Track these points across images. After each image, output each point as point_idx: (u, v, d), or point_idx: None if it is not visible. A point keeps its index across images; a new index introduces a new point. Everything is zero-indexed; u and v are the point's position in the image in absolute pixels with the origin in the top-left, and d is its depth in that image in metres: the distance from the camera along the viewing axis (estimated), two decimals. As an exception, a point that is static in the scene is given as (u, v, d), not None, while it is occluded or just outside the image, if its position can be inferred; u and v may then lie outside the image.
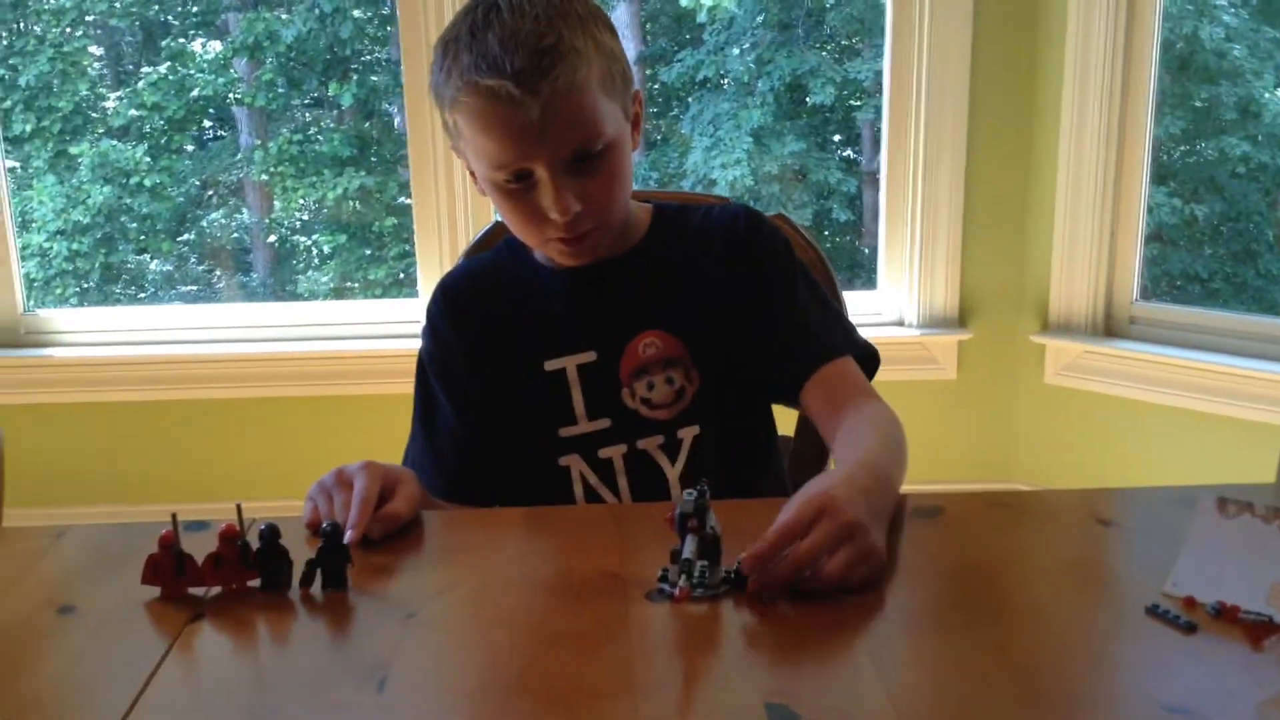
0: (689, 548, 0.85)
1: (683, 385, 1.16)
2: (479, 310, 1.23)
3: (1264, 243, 5.11)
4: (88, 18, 5.56)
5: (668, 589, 0.85)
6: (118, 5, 5.54)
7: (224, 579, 0.88)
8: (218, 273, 5.95)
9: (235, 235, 5.94)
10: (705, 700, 0.73)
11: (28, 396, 2.66)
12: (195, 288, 5.85)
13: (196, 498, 2.70)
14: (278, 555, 0.88)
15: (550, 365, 1.18)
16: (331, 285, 5.58)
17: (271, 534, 0.88)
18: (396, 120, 5.76)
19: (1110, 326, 2.61)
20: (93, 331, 2.79)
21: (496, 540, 0.99)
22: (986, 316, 2.71)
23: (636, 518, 1.05)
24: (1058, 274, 2.61)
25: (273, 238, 5.83)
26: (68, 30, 5.42)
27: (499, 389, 1.21)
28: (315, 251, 5.75)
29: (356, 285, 5.62)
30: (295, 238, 5.83)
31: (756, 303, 1.19)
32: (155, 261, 5.79)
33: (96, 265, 5.43)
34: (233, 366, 2.73)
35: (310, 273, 5.75)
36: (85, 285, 5.42)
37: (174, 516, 0.88)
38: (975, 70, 2.59)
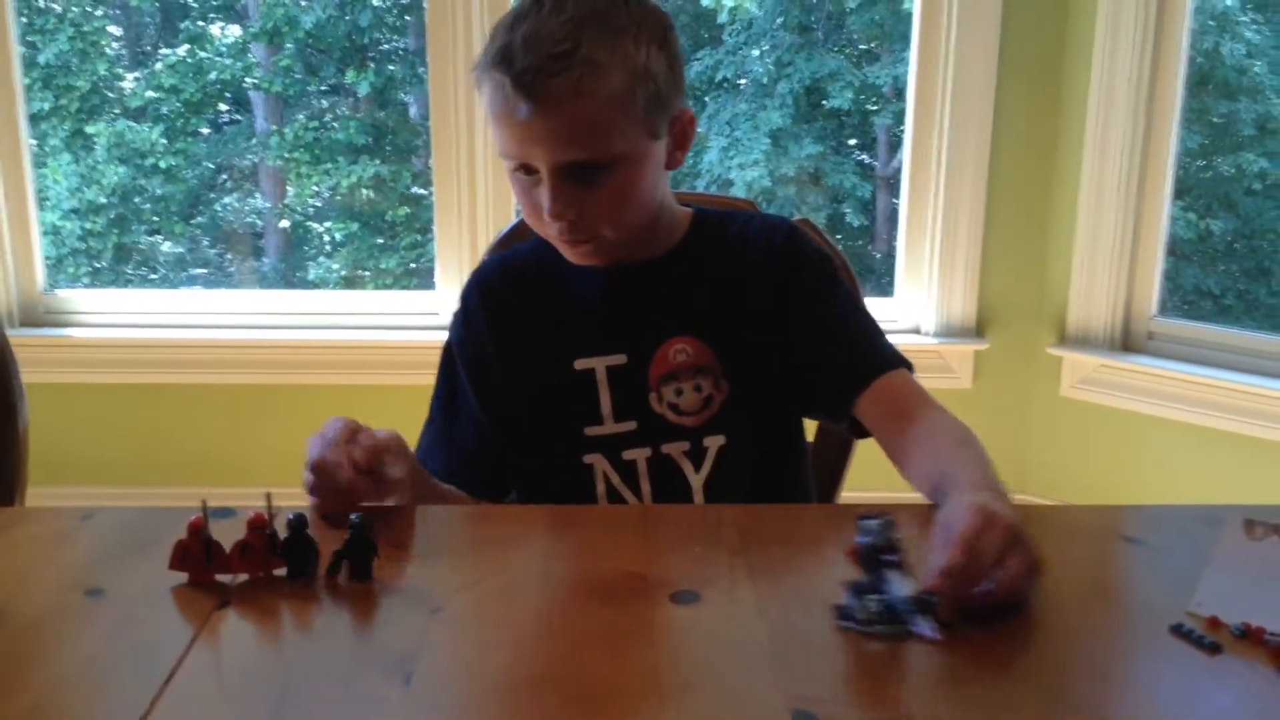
0: (900, 584, 0.81)
1: (711, 393, 1.17)
2: (513, 303, 1.23)
3: (1278, 260, 5.11)
4: (107, -3, 5.57)
5: (874, 628, 0.80)
6: (137, -14, 5.56)
7: (251, 567, 0.88)
8: (229, 256, 5.97)
9: (248, 220, 5.95)
10: (731, 705, 0.73)
11: (47, 375, 2.66)
12: (206, 271, 5.86)
13: (214, 482, 2.71)
14: (305, 545, 0.88)
15: (580, 364, 1.18)
16: (343, 273, 5.59)
17: (299, 524, 0.88)
18: (412, 110, 5.77)
19: (1128, 341, 2.60)
20: (111, 313, 2.79)
21: (521, 537, 1.00)
22: (1004, 327, 2.70)
23: (661, 519, 1.05)
24: (1077, 287, 2.60)
25: (285, 223, 5.84)
26: (88, 10, 5.43)
27: (527, 383, 1.21)
28: (328, 239, 5.76)
29: (368, 274, 5.64)
30: (308, 224, 5.84)
31: (797, 320, 1.18)
32: (168, 243, 5.80)
33: (110, 245, 5.45)
34: (252, 352, 2.73)
35: (322, 259, 5.76)
36: (98, 265, 5.44)
37: (204, 503, 0.88)
38: (1001, 79, 2.58)
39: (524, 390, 1.21)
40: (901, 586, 0.81)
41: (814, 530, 1.05)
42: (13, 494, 1.19)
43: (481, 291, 1.24)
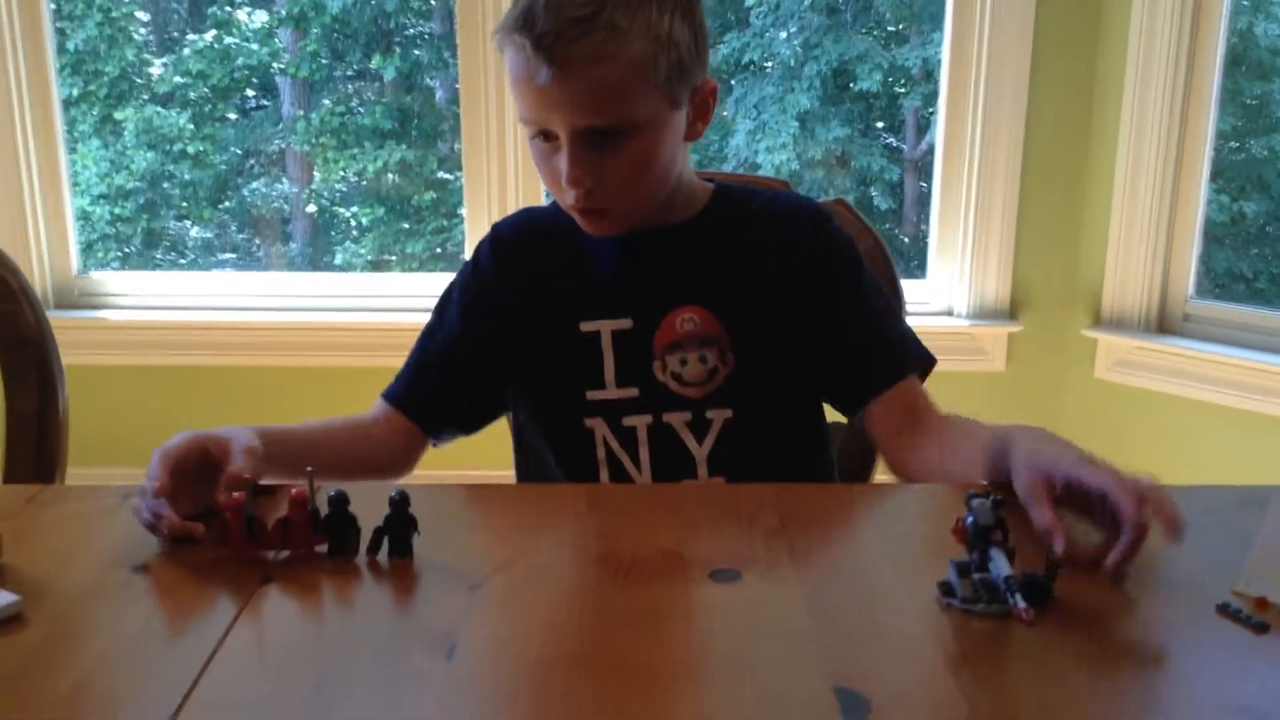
0: (1003, 563, 0.79)
1: (716, 365, 1.16)
2: (525, 257, 1.23)
3: (1311, 243, 5.04)
4: (137, -18, 5.60)
5: (976, 607, 0.80)
6: (166, -28, 5.58)
7: (293, 543, 0.89)
8: (257, 241, 6.00)
9: (276, 205, 5.98)
10: (773, 683, 0.73)
11: (79, 357, 2.69)
12: (235, 256, 5.90)
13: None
14: (346, 522, 0.89)
15: (586, 326, 1.18)
16: (369, 257, 5.61)
17: (340, 501, 0.88)
18: (438, 94, 5.78)
19: (1164, 323, 2.57)
20: (144, 295, 2.82)
21: (558, 515, 1.00)
22: (1038, 309, 2.68)
23: (698, 498, 1.05)
24: (1112, 268, 2.58)
25: (312, 208, 5.86)
26: (116, -5, 5.47)
27: (531, 341, 1.21)
28: (354, 223, 5.78)
29: (394, 259, 5.66)
30: (335, 209, 5.86)
31: (820, 309, 1.17)
32: (196, 228, 5.84)
33: (139, 230, 5.49)
34: (283, 334, 2.75)
35: (349, 244, 5.79)
36: (127, 250, 5.48)
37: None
38: (1036, 59, 2.55)
39: (528, 347, 1.21)
40: (1004, 565, 0.79)
41: (851, 510, 1.05)
42: (52, 474, 1.20)
43: (495, 242, 1.25)
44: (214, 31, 5.56)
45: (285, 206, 5.97)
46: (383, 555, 0.89)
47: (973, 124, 2.59)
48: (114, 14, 5.49)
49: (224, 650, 0.76)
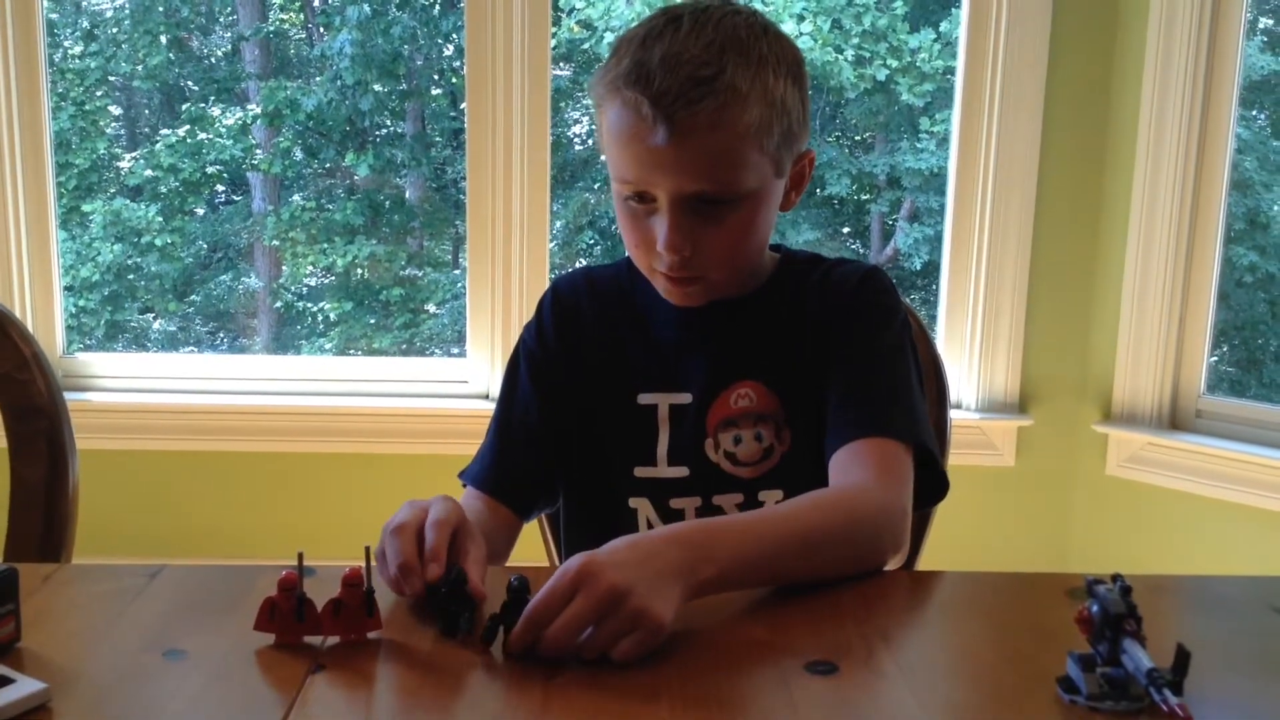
0: (1142, 655, 0.71)
1: (772, 444, 1.10)
2: (585, 322, 1.18)
3: (1268, 351, 5.16)
4: (110, 78, 5.60)
5: (1104, 705, 0.72)
6: (140, 69, 5.59)
7: (344, 628, 0.81)
8: (221, 335, 5.91)
9: (242, 299, 5.91)
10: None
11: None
12: (198, 350, 5.80)
13: (241, 552, 2.62)
14: (463, 602, 0.82)
15: (644, 399, 1.13)
16: (335, 351, 5.55)
17: (460, 580, 0.82)
18: (409, 192, 5.79)
19: (1176, 419, 2.55)
20: (131, 377, 2.72)
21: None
22: (1048, 403, 2.66)
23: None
24: (1123, 363, 2.57)
25: (279, 303, 5.80)
26: (90, 89, 5.46)
27: (586, 410, 1.15)
28: (321, 317, 5.72)
29: (360, 352, 5.59)
30: (301, 303, 5.81)
31: (836, 343, 1.10)
32: (159, 321, 5.75)
33: (101, 323, 5.39)
34: (279, 419, 2.66)
35: (315, 338, 5.72)
36: (88, 342, 5.37)
37: (300, 556, 0.82)
38: (1045, 149, 2.57)
39: (582, 416, 1.15)
40: (1144, 658, 0.71)
41: (940, 597, 0.99)
42: (59, 552, 1.12)
43: (555, 304, 1.19)
44: (187, 126, 5.55)
45: (251, 301, 5.90)
46: (497, 646, 0.81)
47: (981, 215, 2.60)
48: (87, 107, 5.48)
49: (281, 743, 0.68)
